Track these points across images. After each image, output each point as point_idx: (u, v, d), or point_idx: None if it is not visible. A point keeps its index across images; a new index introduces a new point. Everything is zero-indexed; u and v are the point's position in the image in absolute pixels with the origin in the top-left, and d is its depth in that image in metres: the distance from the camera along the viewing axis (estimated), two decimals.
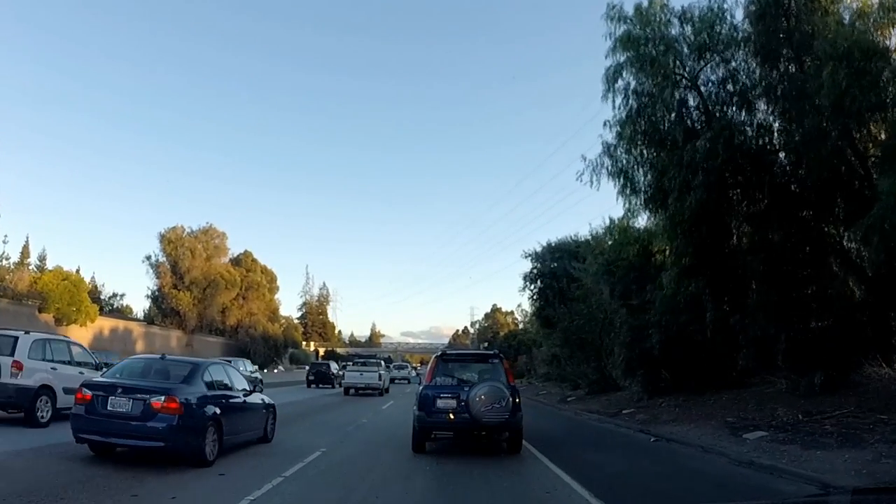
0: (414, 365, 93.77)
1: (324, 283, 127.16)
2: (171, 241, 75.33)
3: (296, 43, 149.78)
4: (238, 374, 11.52)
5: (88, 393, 8.68)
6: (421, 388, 11.31)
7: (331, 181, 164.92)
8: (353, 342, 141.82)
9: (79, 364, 13.42)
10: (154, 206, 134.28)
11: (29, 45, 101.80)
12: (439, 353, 12.61)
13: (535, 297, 35.25)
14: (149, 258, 76.41)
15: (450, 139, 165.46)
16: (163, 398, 8.42)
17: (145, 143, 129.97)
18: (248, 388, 11.15)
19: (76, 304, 60.18)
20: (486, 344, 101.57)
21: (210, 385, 9.68)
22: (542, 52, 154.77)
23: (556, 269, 32.02)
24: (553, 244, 34.06)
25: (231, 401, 10.13)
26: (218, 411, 9.31)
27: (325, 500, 7.61)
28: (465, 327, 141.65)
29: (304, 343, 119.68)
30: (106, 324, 65.85)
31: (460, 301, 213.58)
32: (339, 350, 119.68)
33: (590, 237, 22.36)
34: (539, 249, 34.24)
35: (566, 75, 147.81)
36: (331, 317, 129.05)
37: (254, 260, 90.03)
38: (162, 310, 76.76)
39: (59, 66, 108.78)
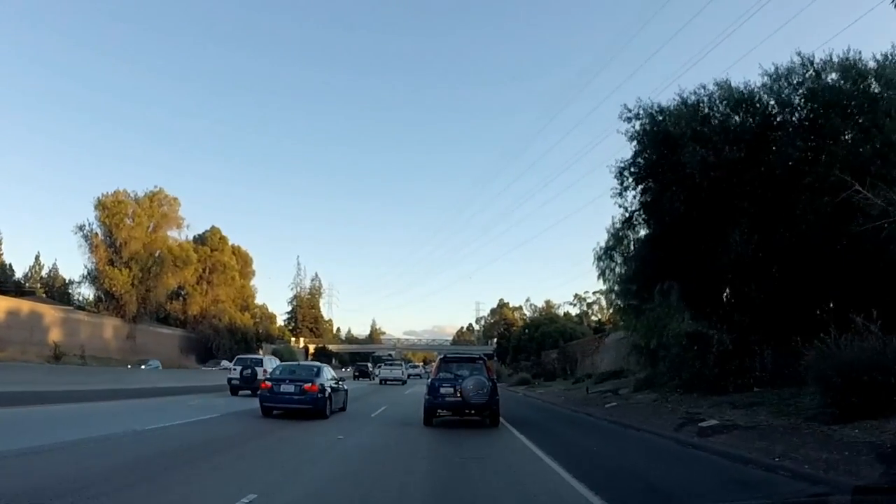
0: (420, 364, 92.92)
1: (316, 274, 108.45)
2: (106, 206, 56.02)
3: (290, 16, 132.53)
4: (332, 372, 18.34)
5: (269, 382, 15.31)
6: (429, 380, 14.81)
7: (330, 179, 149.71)
8: (350, 339, 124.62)
9: None
10: None
11: None
12: (442, 356, 16.01)
13: (652, 207, 15.50)
14: (81, 228, 57.02)
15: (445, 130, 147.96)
16: (310, 384, 14.74)
17: (131, 118, 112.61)
18: (338, 379, 18.04)
19: None
20: (494, 340, 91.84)
21: (326, 377, 15.85)
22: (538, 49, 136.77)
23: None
24: (685, 98, 14.63)
25: (333, 385, 16.14)
26: (330, 391, 15.43)
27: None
28: (470, 324, 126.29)
29: (292, 339, 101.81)
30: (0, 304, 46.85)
31: (463, 299, 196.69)
32: (331, 347, 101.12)
33: None
34: (656, 107, 14.76)
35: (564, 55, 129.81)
36: (326, 312, 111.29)
37: (222, 238, 70.69)
38: (97, 292, 57.65)
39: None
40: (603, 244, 22.96)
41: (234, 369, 23.82)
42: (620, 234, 22.61)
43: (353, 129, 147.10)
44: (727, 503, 6.81)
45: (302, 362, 19.01)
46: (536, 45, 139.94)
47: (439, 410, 14.07)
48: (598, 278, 22.37)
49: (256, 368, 22.75)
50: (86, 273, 58.78)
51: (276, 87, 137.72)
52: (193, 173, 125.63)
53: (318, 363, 18.90)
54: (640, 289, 18.53)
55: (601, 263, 22.86)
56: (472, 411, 13.86)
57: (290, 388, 14.59)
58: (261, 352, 77.20)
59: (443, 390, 13.63)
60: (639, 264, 17.03)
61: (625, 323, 21.08)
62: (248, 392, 22.11)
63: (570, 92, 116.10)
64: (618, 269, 22.46)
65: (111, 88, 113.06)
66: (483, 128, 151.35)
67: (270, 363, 23.44)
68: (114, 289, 54.49)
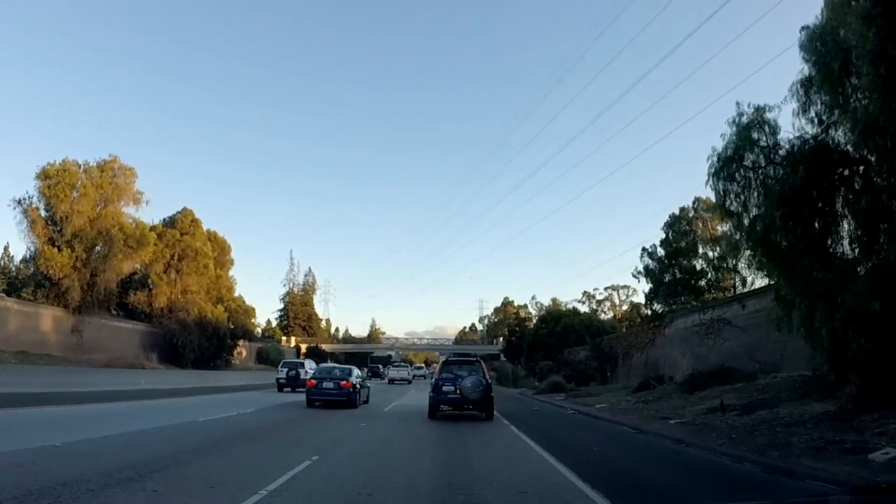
0: (423, 365, 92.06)
1: (309, 269, 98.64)
2: (49, 175, 46.00)
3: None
4: (359, 372, 22.14)
5: (313, 380, 19.33)
6: (433, 379, 17.37)
7: (331, 178, 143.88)
8: (347, 339, 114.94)
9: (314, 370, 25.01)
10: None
11: None
12: (445, 358, 19.69)
13: None
14: (20, 202, 46.82)
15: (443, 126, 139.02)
16: (345, 381, 18.84)
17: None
18: (363, 377, 22.62)
19: None
20: (500, 339, 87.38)
21: (355, 376, 19.87)
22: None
23: None
24: None
25: (360, 383, 20.35)
26: (359, 387, 19.67)
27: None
28: (473, 324, 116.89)
29: (283, 337, 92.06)
30: None
31: (464, 299, 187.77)
32: (325, 347, 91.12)
33: None
34: None
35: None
36: (323, 312, 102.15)
37: (194, 220, 60.34)
38: (36, 277, 47.58)
39: None
40: (720, 151, 12.96)
41: (282, 370, 30.09)
42: (753, 133, 12.66)
43: (353, 127, 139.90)
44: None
45: (336, 364, 24.90)
46: (536, 44, 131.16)
47: (442, 406, 16.18)
48: (725, 204, 12.23)
49: (299, 370, 28.69)
50: (26, 256, 48.74)
51: (276, 87, 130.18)
52: (193, 173, 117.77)
53: (349, 366, 22.96)
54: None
55: (720, 182, 12.77)
56: (470, 406, 15.99)
57: (330, 385, 18.83)
58: (245, 351, 67.23)
59: (445, 388, 15.92)
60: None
61: (787, 277, 10.76)
62: (290, 389, 27.61)
63: (562, 92, 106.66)
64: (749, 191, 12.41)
65: (111, 87, 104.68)
66: (481, 126, 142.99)
67: (309, 365, 30.05)
68: (51, 272, 44.30)
